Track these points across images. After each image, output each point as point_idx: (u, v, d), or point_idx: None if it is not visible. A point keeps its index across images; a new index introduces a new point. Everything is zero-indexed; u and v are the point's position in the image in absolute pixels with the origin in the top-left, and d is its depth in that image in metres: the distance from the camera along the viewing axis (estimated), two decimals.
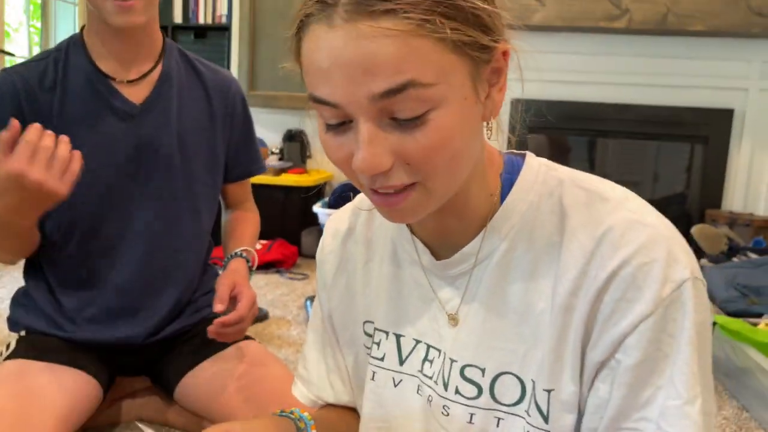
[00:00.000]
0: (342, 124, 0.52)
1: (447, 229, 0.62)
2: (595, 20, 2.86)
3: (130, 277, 1.15)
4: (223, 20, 3.65)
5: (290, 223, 3.09)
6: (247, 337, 1.24)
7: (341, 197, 2.99)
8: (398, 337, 0.68)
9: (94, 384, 1.11)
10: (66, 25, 3.96)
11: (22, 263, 1.19)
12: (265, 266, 2.76)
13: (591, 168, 3.25)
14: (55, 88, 1.10)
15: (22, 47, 3.93)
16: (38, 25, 3.96)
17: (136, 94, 1.13)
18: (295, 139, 3.45)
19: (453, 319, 0.64)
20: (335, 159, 0.55)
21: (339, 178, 3.37)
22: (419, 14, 0.47)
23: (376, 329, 0.71)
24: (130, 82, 1.12)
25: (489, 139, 0.60)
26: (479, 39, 0.51)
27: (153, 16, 1.11)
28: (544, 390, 0.57)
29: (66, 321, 1.15)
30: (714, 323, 1.79)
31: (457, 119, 0.51)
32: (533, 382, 0.58)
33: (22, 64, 1.14)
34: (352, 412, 0.78)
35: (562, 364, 0.56)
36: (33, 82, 1.10)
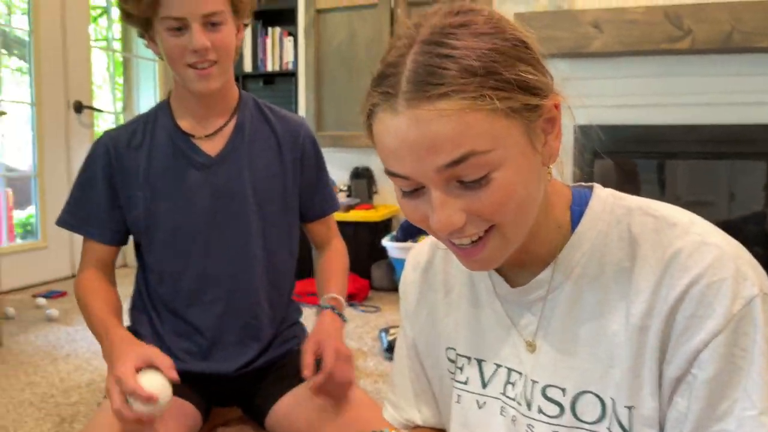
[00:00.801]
0: (416, 190, 0.58)
1: (520, 260, 0.66)
2: (656, 43, 2.85)
3: (215, 318, 1.24)
4: (290, 66, 3.84)
5: (360, 258, 3.17)
6: None
7: (408, 231, 3.05)
8: (480, 362, 0.73)
9: (197, 413, 1.19)
10: (147, 81, 4.25)
11: (128, 300, 1.31)
12: None
13: (662, 190, 3.19)
14: (142, 146, 1.22)
15: (106, 103, 4.24)
16: (121, 81, 4.27)
17: (212, 147, 1.23)
18: (361, 176, 3.56)
19: (531, 345, 0.68)
20: (413, 219, 0.61)
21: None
22: (470, 93, 0.53)
23: (458, 355, 0.75)
24: (207, 136, 1.23)
25: (550, 179, 0.64)
26: (529, 101, 0.56)
27: (228, 77, 1.22)
28: (625, 407, 0.60)
29: (167, 353, 1.25)
30: None
31: (518, 174, 0.56)
32: (613, 400, 0.61)
33: (117, 128, 1.28)
34: None
35: (640, 381, 0.59)
36: (122, 142, 1.23)
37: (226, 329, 1.25)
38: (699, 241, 0.58)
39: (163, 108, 1.26)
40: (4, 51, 3.56)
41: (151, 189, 1.22)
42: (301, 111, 3.64)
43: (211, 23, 1.12)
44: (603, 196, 0.66)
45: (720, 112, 2.93)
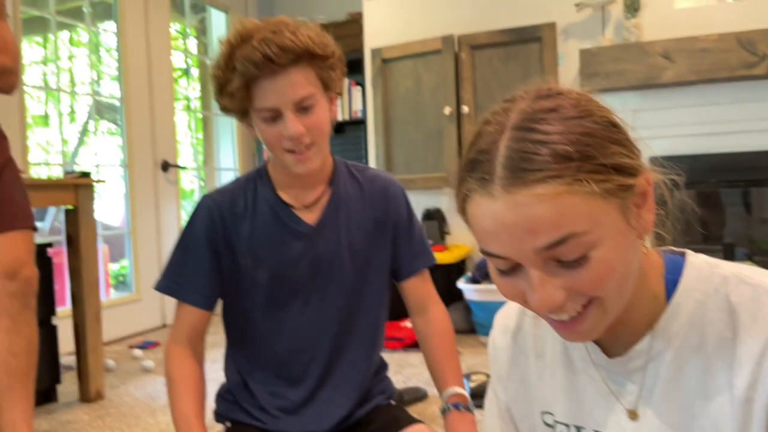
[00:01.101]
0: (512, 269, 0.60)
1: (615, 330, 0.66)
2: (731, 70, 2.78)
3: (314, 377, 1.28)
4: (359, 114, 3.96)
5: None
6: (417, 421, 1.32)
7: (484, 272, 3.05)
8: (579, 429, 0.73)
9: None
10: (225, 136, 4.48)
11: (221, 362, 1.38)
12: (416, 344, 2.85)
13: (748, 217, 3.07)
14: (246, 214, 1.29)
15: (188, 158, 4.48)
16: (201, 137, 4.51)
17: (311, 217, 1.29)
18: (433, 217, 3.59)
19: (633, 414, 0.68)
20: (510, 297, 0.62)
21: (478, 252, 3.43)
22: (567, 178, 0.54)
23: (556, 422, 0.76)
24: (306, 206, 1.30)
25: (645, 251, 0.65)
26: (624, 182, 0.57)
27: (325, 153, 1.24)
28: None
29: (261, 413, 1.30)
30: None
31: (616, 251, 0.57)
32: None
33: (219, 192, 1.35)
34: None
35: None
36: (226, 208, 1.30)
37: (323, 387, 1.29)
38: None
39: (263, 176, 1.32)
40: (97, 116, 3.85)
41: (252, 257, 1.24)
42: (371, 156, 3.73)
43: (303, 107, 1.14)
44: (697, 264, 0.66)
45: None
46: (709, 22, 2.90)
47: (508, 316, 0.83)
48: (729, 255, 2.99)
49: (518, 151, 0.56)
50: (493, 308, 3.28)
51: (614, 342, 0.69)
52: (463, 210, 0.62)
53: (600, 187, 0.55)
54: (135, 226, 3.62)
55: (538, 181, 0.54)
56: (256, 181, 1.30)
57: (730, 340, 0.61)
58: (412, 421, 1.31)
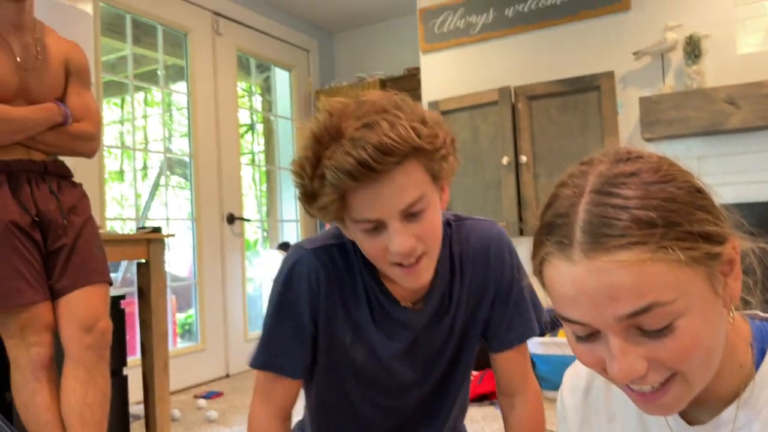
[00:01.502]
0: (591, 335, 0.57)
1: (698, 399, 0.63)
2: None
3: None
4: None
5: None
6: None
7: (549, 323, 2.98)
8: None
9: None
10: (288, 188, 4.61)
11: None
12: (479, 399, 2.80)
13: None
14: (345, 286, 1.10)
15: (251, 209, 4.63)
16: (264, 189, 4.67)
17: (416, 306, 1.10)
18: None
19: None
20: (587, 364, 0.60)
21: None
22: (651, 245, 0.52)
23: None
24: (412, 301, 1.10)
25: (732, 321, 0.61)
26: (711, 250, 0.54)
27: (437, 258, 1.02)
28: None
29: None
30: None
31: (702, 321, 0.54)
32: None
33: (315, 254, 1.08)
34: None
35: None
36: (329, 270, 1.09)
37: None
38: None
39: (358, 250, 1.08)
40: (168, 172, 4.05)
41: (352, 331, 1.09)
42: None
43: (411, 214, 0.92)
44: None
45: None
46: None
47: (578, 375, 0.80)
48: None
49: (599, 216, 0.54)
50: (556, 362, 3.19)
51: (696, 410, 0.66)
52: (539, 273, 0.60)
53: (686, 255, 0.53)
54: (201, 277, 3.74)
55: (620, 248, 0.52)
56: (351, 252, 1.08)
57: None
58: None
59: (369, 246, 0.96)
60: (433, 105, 3.71)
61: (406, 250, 0.92)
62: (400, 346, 1.10)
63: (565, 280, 0.56)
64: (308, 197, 0.94)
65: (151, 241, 2.42)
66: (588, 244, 0.54)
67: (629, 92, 3.21)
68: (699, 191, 0.57)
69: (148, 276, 2.42)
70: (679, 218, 0.53)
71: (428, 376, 1.14)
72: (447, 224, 1.12)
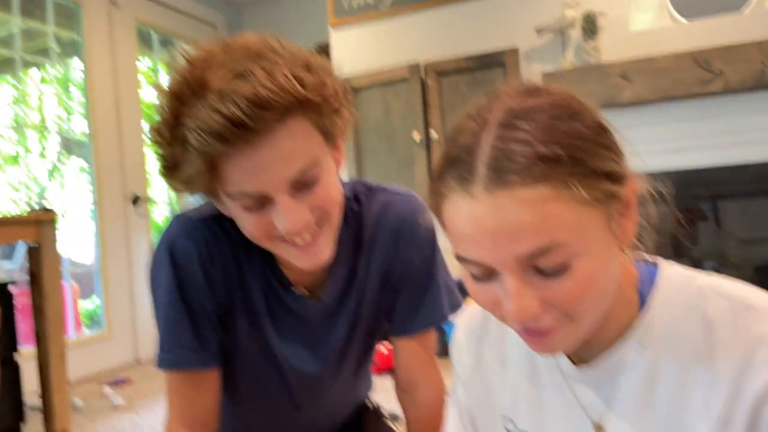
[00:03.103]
0: (488, 275, 0.55)
1: (586, 340, 0.62)
2: (687, 87, 2.85)
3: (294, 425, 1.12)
4: None
5: None
6: None
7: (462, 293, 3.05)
8: None
9: None
10: None
11: None
12: (391, 370, 2.83)
13: (718, 231, 3.12)
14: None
15: (159, 192, 4.46)
16: None
17: (313, 294, 0.99)
18: None
19: (599, 428, 0.64)
20: (483, 304, 0.58)
21: (455, 273, 3.44)
22: (554, 182, 0.50)
23: (518, 430, 0.72)
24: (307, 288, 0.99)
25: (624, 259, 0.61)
26: (610, 189, 0.53)
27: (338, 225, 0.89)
28: None
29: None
30: None
31: (598, 262, 0.54)
32: None
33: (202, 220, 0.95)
34: None
35: None
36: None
37: (311, 429, 1.14)
38: None
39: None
40: (66, 153, 3.83)
41: (248, 319, 0.96)
42: None
43: (303, 184, 0.78)
44: (672, 276, 0.63)
45: (764, 149, 2.88)
46: (664, 42, 2.98)
47: (473, 318, 0.78)
48: (696, 268, 3.02)
49: (502, 151, 0.51)
50: None
51: (585, 352, 0.66)
52: (438, 210, 0.57)
53: (588, 194, 0.51)
54: (105, 263, 3.58)
55: (522, 184, 0.50)
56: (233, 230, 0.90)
57: (706, 357, 0.58)
58: None
59: (251, 225, 0.80)
60: (345, 82, 3.68)
61: (298, 229, 0.78)
62: (295, 341, 0.98)
63: (466, 217, 0.53)
64: (169, 168, 0.77)
65: (41, 222, 2.28)
66: (490, 180, 0.51)
67: (533, 68, 3.29)
68: (603, 128, 0.55)
69: (40, 260, 2.28)
70: (583, 155, 0.52)
71: (335, 375, 1.04)
72: (355, 199, 0.98)
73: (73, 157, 4.06)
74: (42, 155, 4.13)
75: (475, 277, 0.57)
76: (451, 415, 0.83)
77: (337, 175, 0.87)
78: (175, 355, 0.91)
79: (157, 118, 0.76)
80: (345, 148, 0.89)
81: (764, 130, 2.86)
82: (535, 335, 0.58)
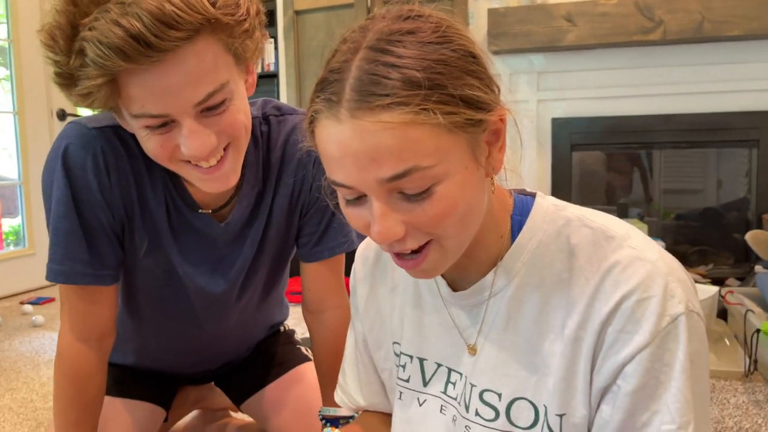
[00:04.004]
0: (358, 198, 0.58)
1: (461, 266, 0.66)
2: (628, 35, 2.87)
3: (212, 345, 1.14)
4: (271, 68, 3.86)
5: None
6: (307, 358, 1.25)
7: None
8: (421, 360, 0.74)
9: (158, 411, 1.16)
10: None
11: None
12: None
13: (643, 180, 3.22)
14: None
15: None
16: None
17: (219, 215, 0.98)
18: None
19: (472, 349, 0.69)
20: (356, 227, 0.60)
21: None
22: (414, 107, 0.51)
23: (402, 353, 0.77)
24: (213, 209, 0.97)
25: (494, 190, 0.64)
26: (473, 117, 0.54)
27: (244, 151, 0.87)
28: (556, 415, 0.61)
29: (151, 360, 1.15)
30: (758, 330, 1.76)
31: (460, 188, 0.56)
32: (545, 407, 0.62)
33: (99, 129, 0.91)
34: (387, 417, 0.84)
35: (572, 390, 0.61)
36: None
37: (218, 350, 1.18)
38: (633, 255, 0.59)
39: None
40: None
41: (149, 237, 0.95)
42: None
43: (210, 108, 0.76)
44: (544, 206, 0.66)
45: (696, 100, 2.96)
46: None
47: (369, 247, 0.81)
48: (623, 215, 3.14)
49: (369, 74, 0.52)
50: None
51: (461, 278, 0.69)
52: (312, 134, 0.58)
53: (448, 120, 0.52)
54: (27, 178, 3.43)
55: (384, 108, 0.51)
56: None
57: (566, 281, 0.62)
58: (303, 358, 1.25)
59: (153, 146, 0.77)
60: (288, 3, 3.54)
61: (204, 154, 0.77)
62: (199, 261, 0.97)
63: (333, 140, 0.54)
64: (65, 79, 0.73)
65: None
66: (355, 103, 0.52)
67: (480, 3, 3.24)
68: (473, 56, 0.56)
69: None
70: (445, 81, 0.52)
71: (240, 295, 1.04)
72: (265, 120, 0.96)
73: None
74: None
75: (348, 201, 0.59)
76: (348, 340, 0.87)
77: (250, 92, 0.85)
78: (66, 267, 0.90)
79: (50, 21, 0.71)
80: (256, 71, 0.87)
81: (697, 82, 2.94)
82: (404, 260, 0.60)
